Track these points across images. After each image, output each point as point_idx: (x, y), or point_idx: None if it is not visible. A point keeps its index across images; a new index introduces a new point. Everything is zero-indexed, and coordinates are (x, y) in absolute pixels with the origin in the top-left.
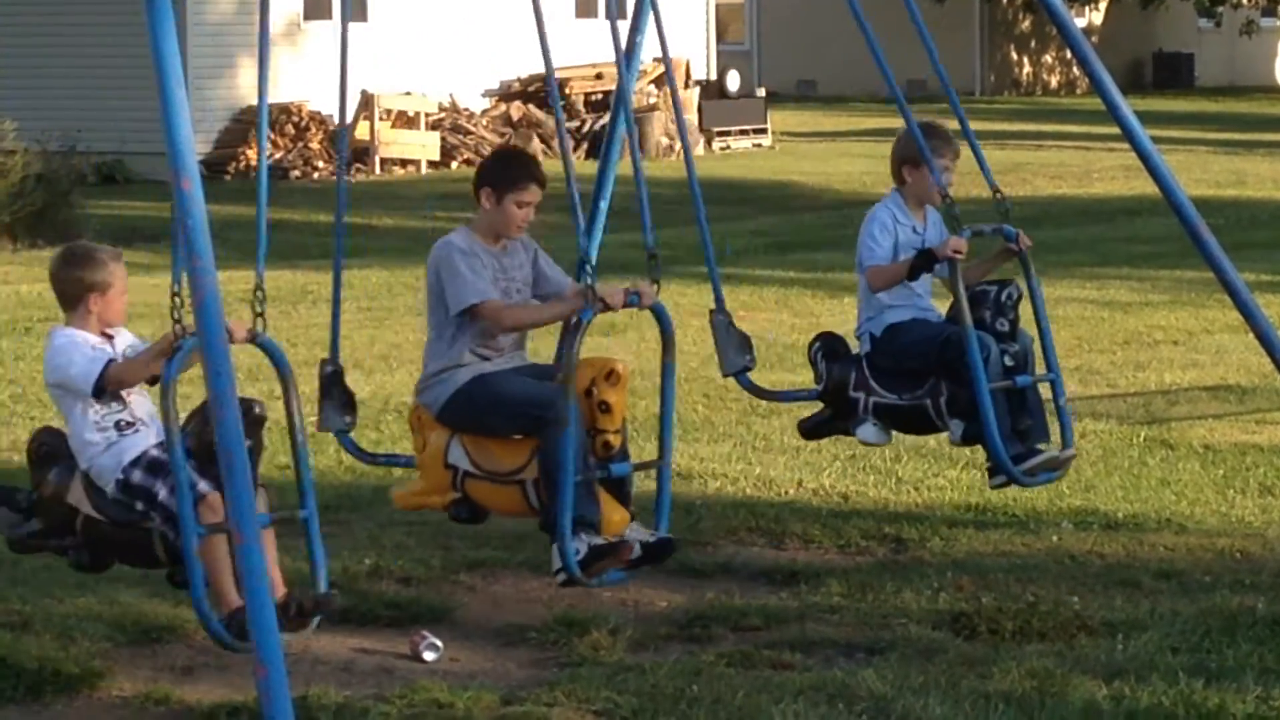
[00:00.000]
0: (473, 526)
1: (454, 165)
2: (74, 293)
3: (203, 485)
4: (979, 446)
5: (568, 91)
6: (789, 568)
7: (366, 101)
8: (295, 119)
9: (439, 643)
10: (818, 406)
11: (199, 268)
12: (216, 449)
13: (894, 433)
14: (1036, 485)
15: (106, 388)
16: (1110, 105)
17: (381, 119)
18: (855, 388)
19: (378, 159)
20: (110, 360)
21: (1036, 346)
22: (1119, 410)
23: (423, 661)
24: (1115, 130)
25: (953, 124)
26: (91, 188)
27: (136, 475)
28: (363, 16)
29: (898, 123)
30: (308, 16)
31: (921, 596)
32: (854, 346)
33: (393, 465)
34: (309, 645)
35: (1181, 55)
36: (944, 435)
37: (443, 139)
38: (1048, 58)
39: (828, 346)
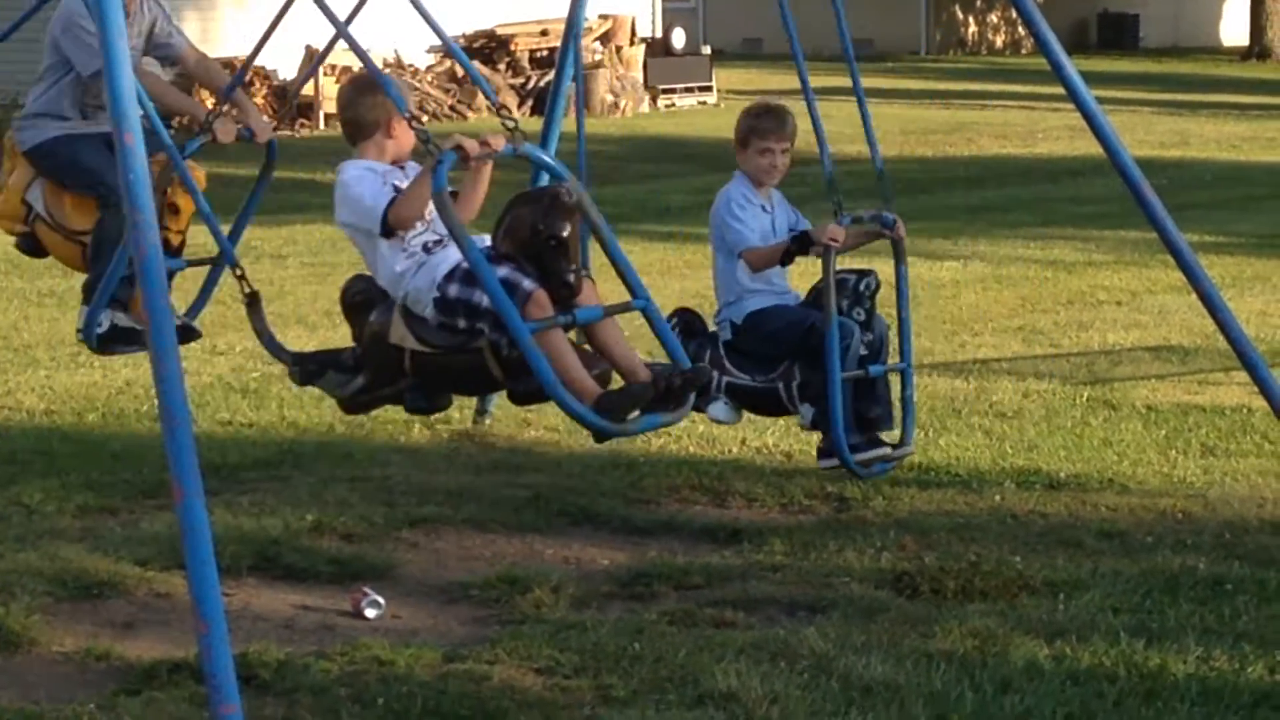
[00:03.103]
0: (415, 482)
1: None
2: (371, 119)
3: (526, 284)
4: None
5: (513, 48)
6: (732, 526)
7: (310, 56)
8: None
9: (381, 600)
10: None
11: (140, 221)
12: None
13: (743, 413)
14: (868, 477)
15: (395, 229)
16: (1055, 65)
17: (326, 74)
18: (710, 366)
19: (322, 114)
20: (391, 200)
21: (895, 335)
22: (1062, 370)
23: (364, 619)
24: (1060, 90)
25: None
26: None
27: (453, 289)
28: None
29: (843, 82)
30: None
31: (864, 555)
32: (711, 325)
33: None
34: (249, 601)
35: (1126, 16)
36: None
37: None
38: (993, 17)
39: (685, 323)
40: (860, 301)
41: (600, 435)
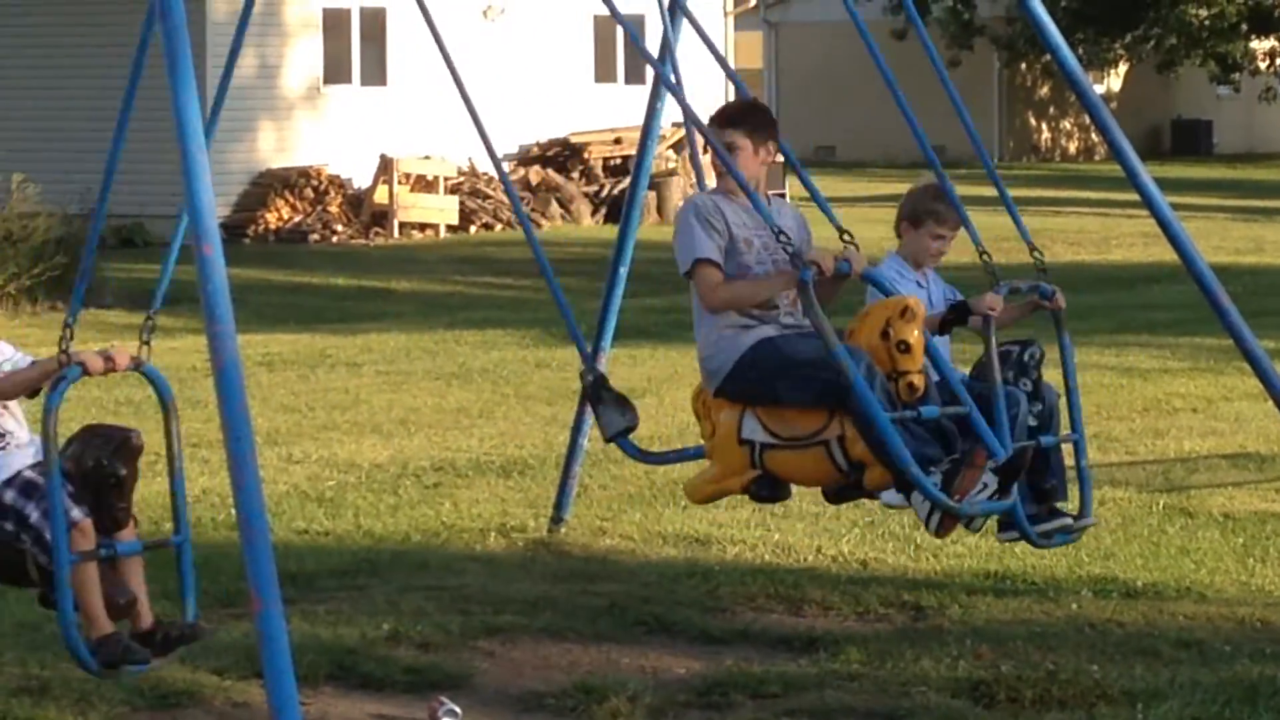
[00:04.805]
0: (490, 591)
1: (472, 229)
2: None
3: (76, 512)
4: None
5: (587, 156)
6: (808, 635)
7: (385, 165)
8: (314, 182)
9: (457, 709)
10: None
11: (219, 332)
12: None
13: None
14: (1049, 547)
15: None
16: (1129, 172)
17: (400, 183)
18: None
19: (396, 223)
20: None
21: (1062, 404)
22: (1138, 478)
23: None
24: (1134, 197)
25: (982, 190)
26: (111, 250)
27: (9, 495)
28: (381, 80)
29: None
30: (327, 80)
31: (941, 664)
32: None
33: (680, 461)
34: (326, 710)
35: (1200, 122)
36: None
37: (461, 203)
38: (1066, 124)
39: None
40: (1026, 372)
41: (87, 673)
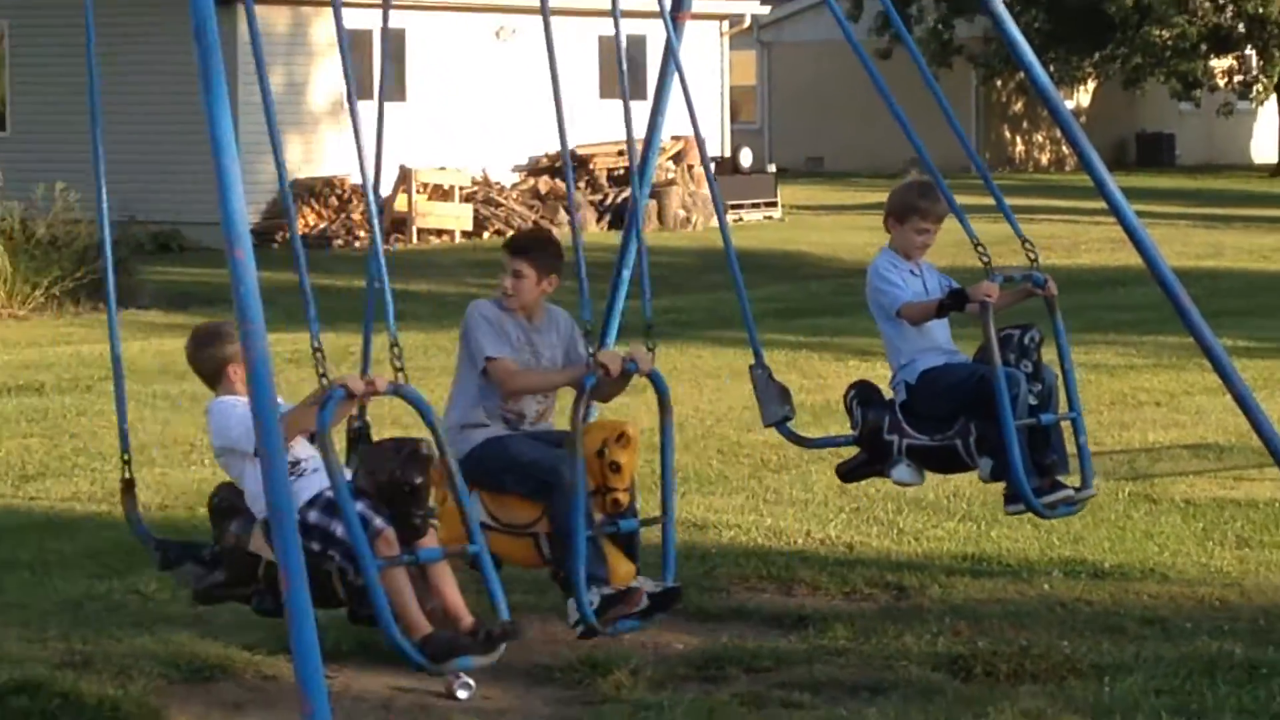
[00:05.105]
0: (501, 572)
1: (485, 235)
2: (213, 369)
3: (377, 521)
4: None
5: (592, 167)
6: (798, 613)
7: (404, 175)
8: (338, 191)
9: (472, 681)
10: (854, 452)
11: (250, 331)
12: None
13: (926, 473)
14: (1054, 518)
15: None
16: (1098, 182)
17: (418, 192)
18: (889, 431)
19: (415, 229)
20: None
21: (1062, 387)
22: (1105, 467)
23: (456, 699)
24: (1102, 205)
25: (961, 199)
26: (149, 255)
27: (313, 515)
28: (401, 96)
29: None
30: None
31: (921, 640)
32: (887, 394)
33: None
34: (349, 684)
35: (1163, 135)
36: (949, 487)
37: (475, 211)
38: (1039, 137)
39: (862, 393)
40: (1026, 354)
41: (420, 670)
